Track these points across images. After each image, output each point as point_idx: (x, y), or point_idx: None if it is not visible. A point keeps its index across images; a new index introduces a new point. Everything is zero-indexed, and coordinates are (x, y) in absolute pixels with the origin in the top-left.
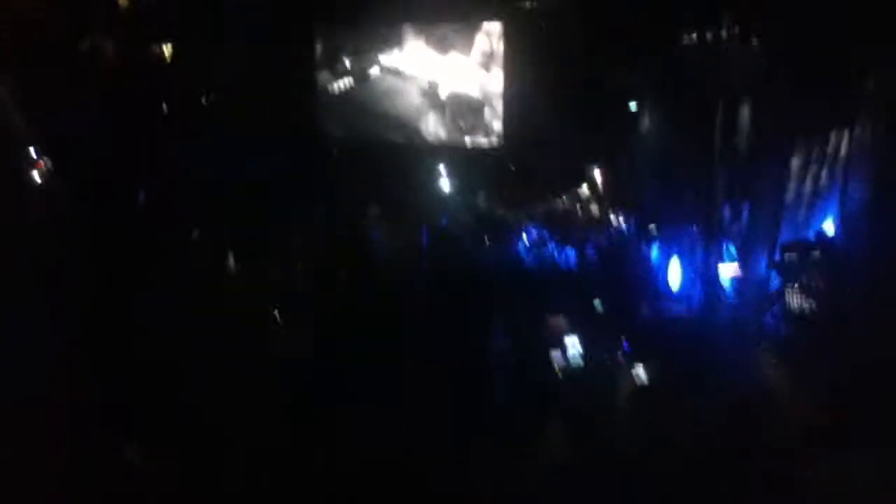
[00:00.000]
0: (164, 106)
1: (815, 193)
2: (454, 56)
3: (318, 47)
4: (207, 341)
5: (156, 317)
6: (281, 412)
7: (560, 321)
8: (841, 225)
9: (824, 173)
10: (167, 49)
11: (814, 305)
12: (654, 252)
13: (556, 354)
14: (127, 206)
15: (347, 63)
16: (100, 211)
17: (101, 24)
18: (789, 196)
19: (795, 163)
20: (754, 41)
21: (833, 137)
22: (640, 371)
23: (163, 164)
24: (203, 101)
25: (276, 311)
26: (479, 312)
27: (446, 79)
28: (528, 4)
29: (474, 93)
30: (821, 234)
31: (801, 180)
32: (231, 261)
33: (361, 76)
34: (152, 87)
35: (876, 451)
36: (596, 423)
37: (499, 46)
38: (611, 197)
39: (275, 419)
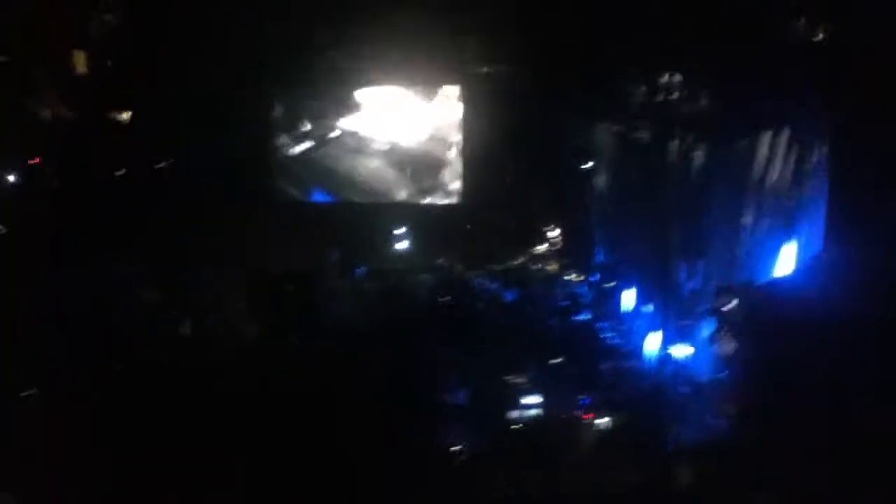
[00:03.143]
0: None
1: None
2: (414, 117)
3: (279, 112)
4: None
5: None
6: None
7: (520, 377)
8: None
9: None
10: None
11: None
12: (612, 307)
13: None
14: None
15: (308, 126)
16: None
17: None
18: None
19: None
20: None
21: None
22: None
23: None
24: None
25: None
26: (441, 369)
27: (406, 140)
28: (486, 69)
29: (434, 153)
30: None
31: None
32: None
33: (321, 139)
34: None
35: None
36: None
37: (457, 108)
38: (568, 254)
39: None
